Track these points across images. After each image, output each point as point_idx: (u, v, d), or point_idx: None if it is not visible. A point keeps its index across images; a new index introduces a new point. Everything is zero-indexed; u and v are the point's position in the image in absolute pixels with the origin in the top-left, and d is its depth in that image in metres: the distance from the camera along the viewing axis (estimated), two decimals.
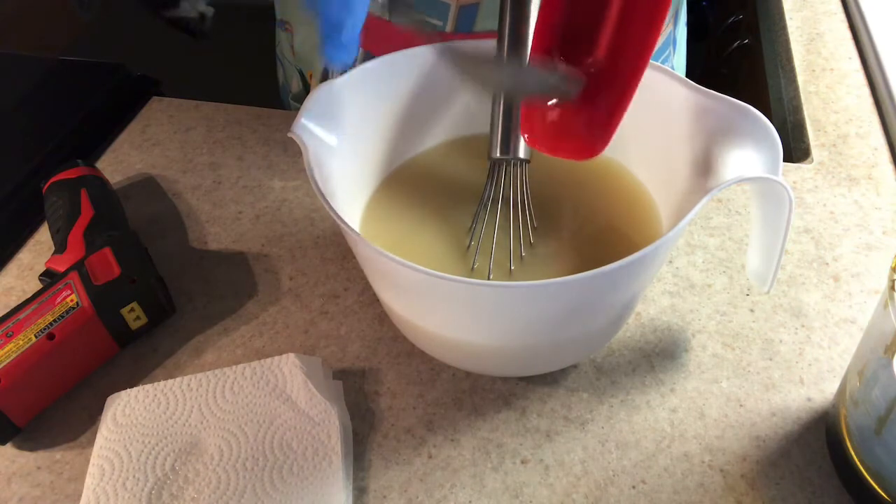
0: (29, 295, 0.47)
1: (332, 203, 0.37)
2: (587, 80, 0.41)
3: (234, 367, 0.44)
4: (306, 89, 0.69)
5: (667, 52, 0.66)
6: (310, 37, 0.65)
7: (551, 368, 0.45)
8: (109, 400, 0.43)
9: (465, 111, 0.49)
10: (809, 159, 0.58)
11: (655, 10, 0.38)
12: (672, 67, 0.67)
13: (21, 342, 0.43)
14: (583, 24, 0.40)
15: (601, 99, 0.40)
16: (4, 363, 0.42)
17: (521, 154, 0.43)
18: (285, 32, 0.69)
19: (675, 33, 0.67)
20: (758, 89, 0.74)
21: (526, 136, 0.42)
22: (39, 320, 0.44)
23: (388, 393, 0.45)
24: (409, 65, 0.47)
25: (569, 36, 0.41)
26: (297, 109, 0.71)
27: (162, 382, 0.43)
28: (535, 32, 0.42)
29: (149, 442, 0.41)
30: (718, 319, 0.47)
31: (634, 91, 0.38)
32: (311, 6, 0.38)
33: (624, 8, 0.39)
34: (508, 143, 0.43)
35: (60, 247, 0.49)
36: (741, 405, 0.43)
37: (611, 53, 0.40)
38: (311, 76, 0.67)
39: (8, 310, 0.46)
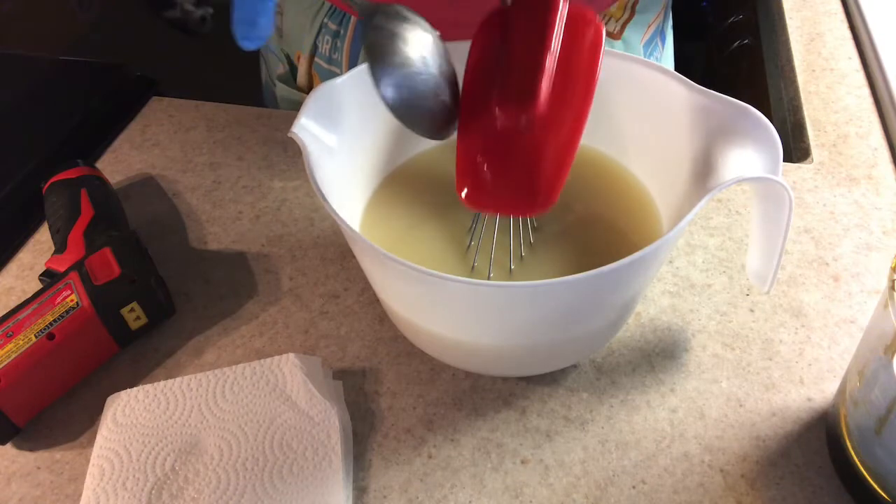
0: (29, 295, 0.47)
1: (331, 203, 0.37)
2: (531, 138, 0.40)
3: (234, 367, 0.44)
4: (293, 72, 0.68)
5: (654, 43, 0.66)
6: (298, 16, 0.65)
7: (551, 368, 0.45)
8: (109, 400, 0.43)
9: None
10: (809, 159, 0.58)
11: (591, 68, 0.39)
12: (659, 62, 0.67)
13: (21, 342, 0.43)
14: (518, 79, 0.40)
15: (546, 153, 0.40)
16: (4, 363, 0.42)
17: None
18: None
19: (664, 27, 0.67)
20: (758, 89, 0.74)
21: (464, 193, 0.40)
22: (39, 320, 0.44)
23: (388, 393, 0.45)
24: None
25: (505, 89, 0.40)
26: (281, 95, 0.70)
27: (162, 382, 0.43)
28: (468, 83, 0.41)
29: (149, 442, 0.41)
30: (718, 319, 0.47)
31: (579, 139, 0.39)
32: None
33: (562, 65, 0.40)
34: None
35: (60, 247, 0.49)
36: (741, 405, 0.43)
37: (551, 109, 0.40)
38: (298, 57, 0.67)
39: (8, 310, 0.46)
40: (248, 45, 0.36)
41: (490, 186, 0.41)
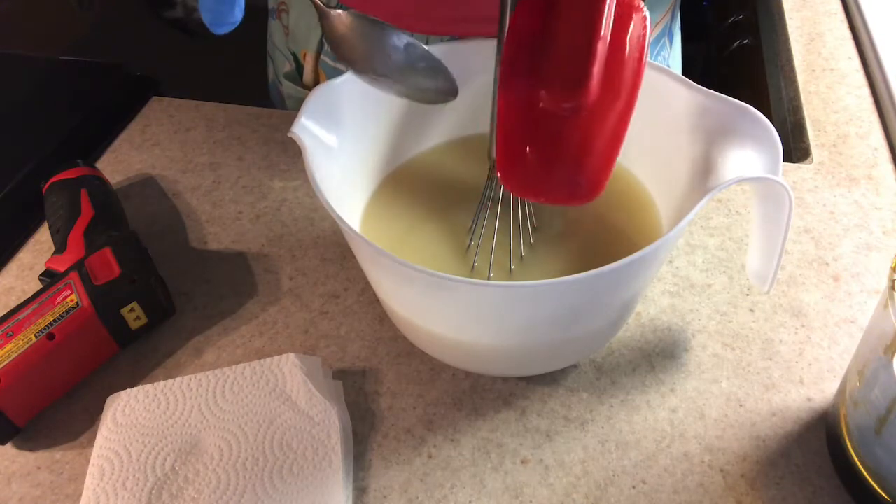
0: (29, 295, 0.47)
1: (331, 203, 0.37)
2: (579, 126, 0.39)
3: (234, 367, 0.44)
4: (299, 71, 0.68)
5: (662, 41, 0.66)
6: (304, 14, 0.65)
7: (551, 368, 0.45)
8: (109, 400, 0.43)
9: (465, 111, 0.49)
10: (809, 159, 0.58)
11: (639, 56, 0.38)
12: (666, 63, 0.67)
13: (21, 342, 0.43)
14: (568, 64, 0.39)
15: (594, 143, 0.39)
16: (4, 363, 0.42)
17: None
18: (276, 21, 0.69)
19: (671, 26, 0.67)
20: (758, 89, 0.74)
21: (506, 179, 0.39)
22: (39, 320, 0.44)
23: (388, 393, 0.45)
24: None
25: (553, 74, 0.39)
26: (287, 94, 0.71)
27: (162, 382, 0.43)
28: (507, 62, 0.40)
29: (149, 442, 0.41)
30: (718, 319, 0.47)
31: (626, 130, 0.38)
32: None
33: (610, 52, 0.38)
34: None
35: (60, 247, 0.49)
36: (741, 405, 0.43)
37: (600, 97, 0.39)
38: (304, 56, 0.67)
39: (8, 310, 0.46)
40: (217, 31, 0.38)
41: (533, 173, 0.39)
